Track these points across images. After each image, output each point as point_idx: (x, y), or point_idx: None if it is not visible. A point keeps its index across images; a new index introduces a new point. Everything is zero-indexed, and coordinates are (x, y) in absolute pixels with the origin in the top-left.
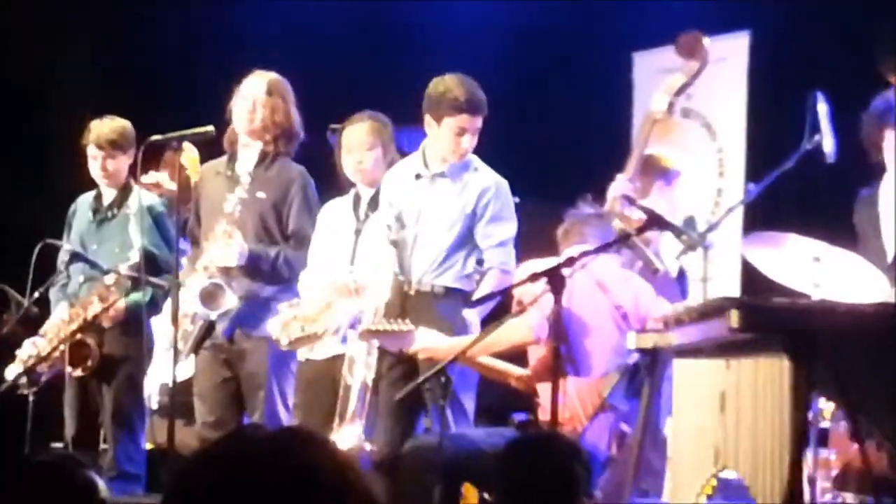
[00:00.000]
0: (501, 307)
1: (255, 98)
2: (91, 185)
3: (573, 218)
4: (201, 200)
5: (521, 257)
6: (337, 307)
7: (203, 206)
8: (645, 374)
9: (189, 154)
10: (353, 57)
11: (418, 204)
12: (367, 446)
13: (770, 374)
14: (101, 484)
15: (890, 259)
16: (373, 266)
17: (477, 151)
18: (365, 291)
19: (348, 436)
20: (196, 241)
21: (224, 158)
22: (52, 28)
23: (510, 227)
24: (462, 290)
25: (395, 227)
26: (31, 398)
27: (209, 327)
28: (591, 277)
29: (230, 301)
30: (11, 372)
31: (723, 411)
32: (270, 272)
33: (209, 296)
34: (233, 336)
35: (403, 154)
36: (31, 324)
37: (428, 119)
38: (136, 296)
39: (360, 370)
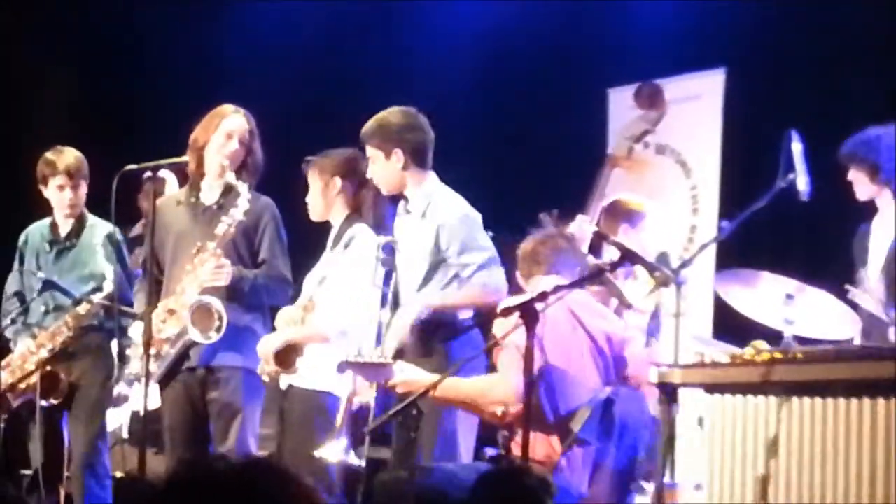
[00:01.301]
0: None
1: (241, 138)
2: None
3: (544, 238)
4: (163, 231)
5: None
6: (266, 336)
7: (167, 236)
8: (664, 410)
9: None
10: (326, 89)
11: (400, 240)
12: (354, 460)
13: None
14: None
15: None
16: (324, 292)
17: (452, 187)
18: (311, 313)
19: (333, 450)
20: (155, 272)
21: (185, 188)
22: (30, 54)
23: (483, 253)
24: (444, 321)
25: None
26: (1, 425)
27: (184, 353)
28: (567, 309)
29: (219, 321)
30: None
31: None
32: (248, 296)
33: (201, 313)
34: (210, 363)
35: None
36: (3, 351)
37: None
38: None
39: (345, 387)
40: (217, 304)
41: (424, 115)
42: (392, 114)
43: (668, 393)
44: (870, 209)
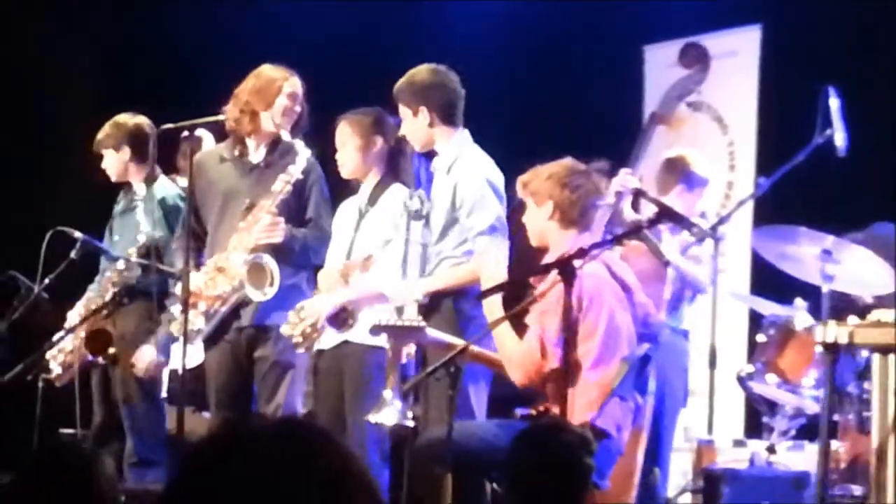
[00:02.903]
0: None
1: (299, 99)
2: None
3: (589, 187)
4: (207, 187)
5: (526, 253)
6: (317, 298)
7: (213, 192)
8: (829, 371)
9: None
10: (363, 50)
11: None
12: (409, 422)
13: None
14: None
15: None
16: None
17: (485, 148)
18: (353, 276)
19: (389, 414)
20: (195, 228)
21: (226, 144)
22: (59, 20)
23: (488, 218)
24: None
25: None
26: (40, 384)
27: (234, 312)
28: (603, 264)
29: (271, 277)
30: (54, 367)
31: None
32: (298, 255)
33: (254, 270)
34: (263, 323)
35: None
36: (42, 310)
37: None
38: None
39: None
40: (271, 261)
41: (456, 73)
42: (420, 72)
43: (834, 353)
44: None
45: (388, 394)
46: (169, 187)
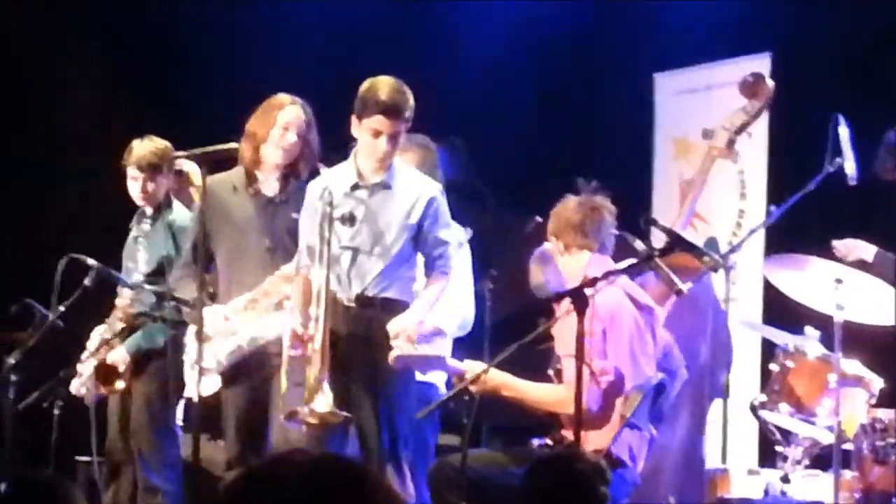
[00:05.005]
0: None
1: (299, 130)
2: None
3: (592, 207)
4: (221, 217)
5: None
6: None
7: (225, 224)
8: None
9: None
10: (369, 69)
11: (358, 215)
12: (343, 413)
13: None
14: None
15: None
16: None
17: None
18: None
19: (322, 404)
20: (206, 260)
21: (236, 173)
22: (63, 39)
23: (452, 233)
24: (406, 301)
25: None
26: (56, 411)
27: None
28: (621, 290)
29: None
30: (74, 387)
31: None
32: None
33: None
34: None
35: None
36: (57, 338)
37: (353, 121)
38: (135, 338)
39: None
40: None
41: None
42: (405, 88)
43: None
44: None
45: (317, 381)
46: (181, 210)
